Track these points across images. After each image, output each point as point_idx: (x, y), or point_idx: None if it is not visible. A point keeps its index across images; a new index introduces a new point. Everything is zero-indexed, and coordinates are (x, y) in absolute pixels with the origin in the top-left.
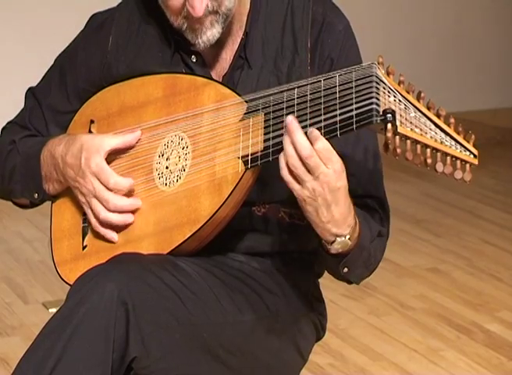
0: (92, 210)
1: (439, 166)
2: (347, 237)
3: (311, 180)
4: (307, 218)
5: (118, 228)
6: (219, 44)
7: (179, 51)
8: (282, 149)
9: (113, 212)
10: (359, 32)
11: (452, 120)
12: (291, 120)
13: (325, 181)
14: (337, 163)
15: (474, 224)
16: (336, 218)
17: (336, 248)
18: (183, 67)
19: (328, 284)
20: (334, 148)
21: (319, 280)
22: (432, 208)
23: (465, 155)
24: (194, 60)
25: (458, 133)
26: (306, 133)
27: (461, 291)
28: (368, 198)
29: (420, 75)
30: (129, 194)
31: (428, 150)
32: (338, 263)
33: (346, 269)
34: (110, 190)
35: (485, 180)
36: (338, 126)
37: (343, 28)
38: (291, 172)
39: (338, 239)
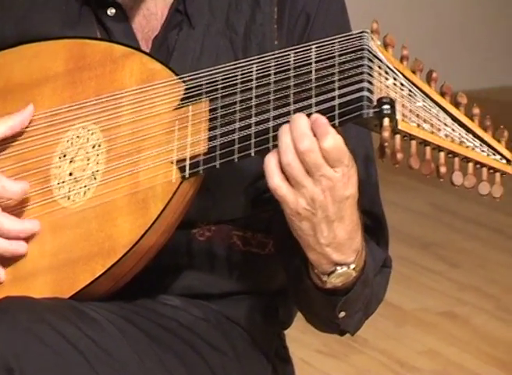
0: None
1: (457, 177)
2: (352, 266)
3: (310, 184)
4: (298, 239)
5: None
6: None
7: (91, 3)
8: (233, 152)
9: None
10: None
11: (476, 111)
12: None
13: (327, 187)
14: (347, 167)
15: (506, 249)
16: (339, 239)
17: (334, 281)
18: (95, 26)
19: (298, 337)
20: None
21: (285, 331)
22: (446, 227)
23: (494, 161)
24: (112, 14)
25: (485, 130)
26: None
27: (487, 344)
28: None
29: (426, 46)
30: (21, 211)
31: (442, 154)
32: (333, 304)
33: (343, 314)
34: None
35: None
36: None
37: None
38: (283, 174)
39: (339, 269)
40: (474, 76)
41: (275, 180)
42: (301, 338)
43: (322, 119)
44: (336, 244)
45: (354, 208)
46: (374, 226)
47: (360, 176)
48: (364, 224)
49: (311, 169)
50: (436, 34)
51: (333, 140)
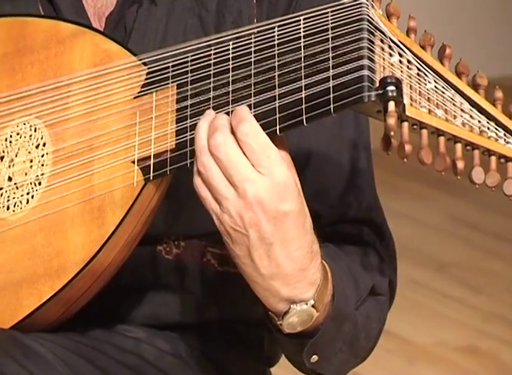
0: None
1: (478, 174)
2: (310, 302)
3: (232, 195)
4: (239, 270)
5: None
6: None
7: None
8: None
9: None
10: None
11: (499, 94)
12: None
13: (253, 197)
14: (280, 167)
15: None
16: (284, 270)
17: (290, 323)
18: (38, 2)
19: None
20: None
21: (272, 369)
22: (467, 244)
23: None
24: None
25: (510, 117)
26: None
27: None
28: (355, 223)
29: (444, 21)
30: None
31: (459, 146)
32: (300, 348)
33: (315, 357)
34: None
35: None
36: (304, 107)
37: None
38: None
39: (293, 307)
40: (500, 62)
41: (195, 180)
42: None
43: (241, 108)
44: (282, 277)
45: (302, 230)
46: (373, 236)
47: (357, 168)
48: (356, 235)
49: (227, 172)
50: (453, 11)
51: (250, 125)
